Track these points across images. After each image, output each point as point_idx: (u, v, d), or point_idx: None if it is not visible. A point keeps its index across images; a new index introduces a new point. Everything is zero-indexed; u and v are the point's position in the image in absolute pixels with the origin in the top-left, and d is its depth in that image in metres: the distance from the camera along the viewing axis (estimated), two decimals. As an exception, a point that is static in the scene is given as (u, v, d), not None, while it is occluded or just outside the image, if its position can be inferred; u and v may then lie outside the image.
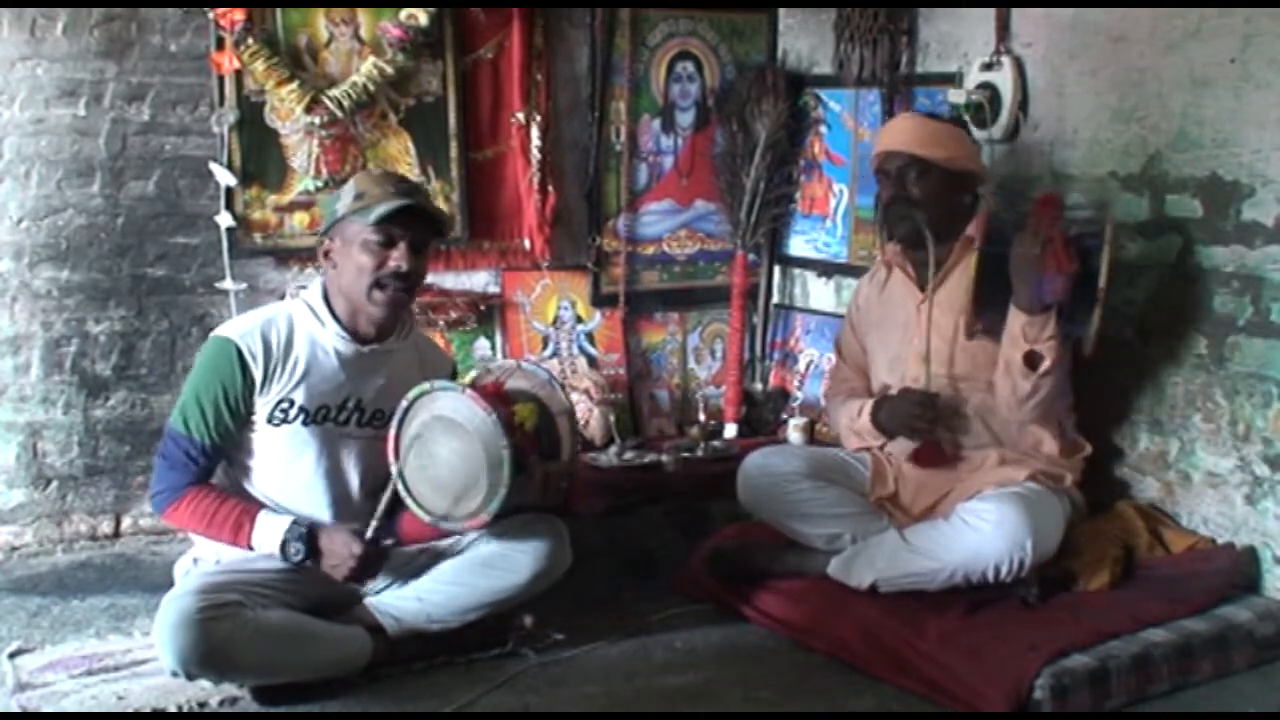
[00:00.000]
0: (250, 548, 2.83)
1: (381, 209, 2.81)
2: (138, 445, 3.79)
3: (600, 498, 3.66)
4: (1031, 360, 3.07)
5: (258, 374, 2.84)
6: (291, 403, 2.87)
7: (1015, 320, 3.08)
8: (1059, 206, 3.13)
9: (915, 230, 3.27)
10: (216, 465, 2.91)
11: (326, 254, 2.92)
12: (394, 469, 2.83)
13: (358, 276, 2.85)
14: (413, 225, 2.86)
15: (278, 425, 2.88)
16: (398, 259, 2.83)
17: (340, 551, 2.82)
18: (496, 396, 2.79)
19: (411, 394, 2.81)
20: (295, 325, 2.90)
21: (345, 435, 2.93)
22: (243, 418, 2.87)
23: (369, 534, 2.85)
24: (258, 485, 2.92)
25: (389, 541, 2.90)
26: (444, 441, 2.77)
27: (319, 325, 2.90)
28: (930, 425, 3.22)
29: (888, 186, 3.32)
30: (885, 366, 3.42)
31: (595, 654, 3.07)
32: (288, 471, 2.91)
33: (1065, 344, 3.09)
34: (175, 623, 2.62)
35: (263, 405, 2.86)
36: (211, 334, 2.93)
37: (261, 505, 2.88)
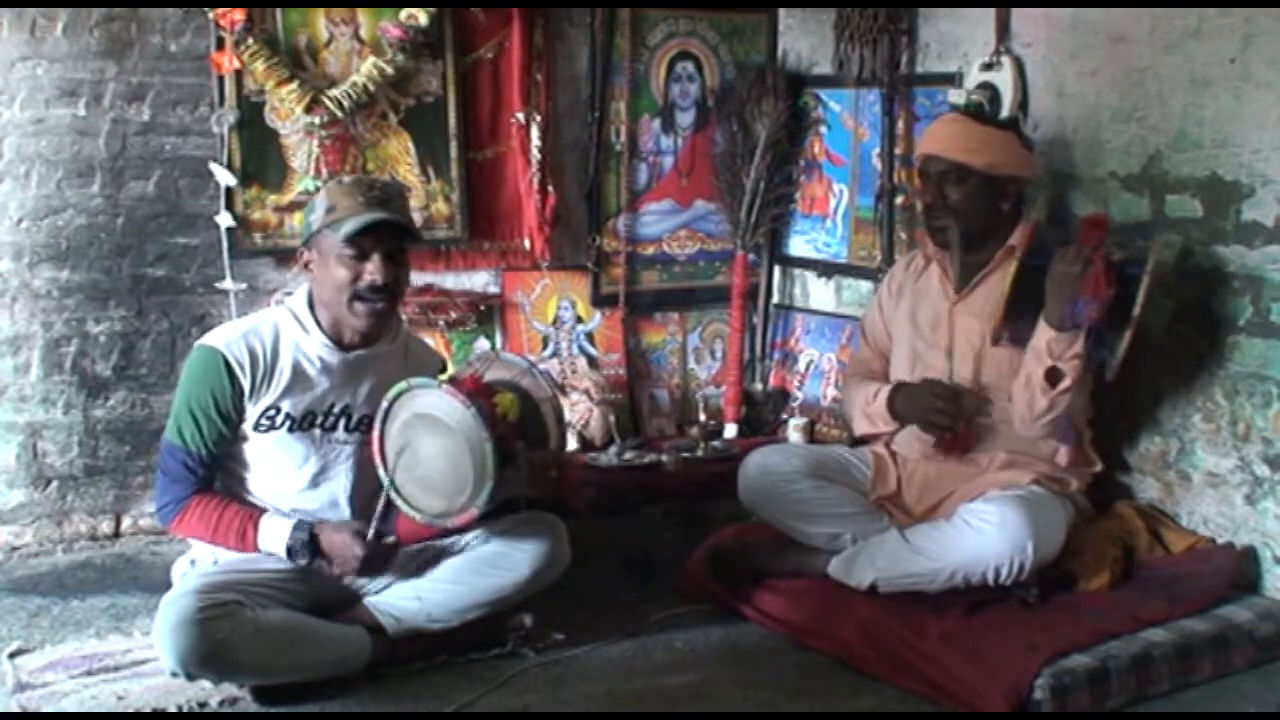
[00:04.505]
0: (258, 551, 2.84)
1: (350, 225, 2.79)
2: (138, 445, 3.79)
3: (591, 487, 3.66)
4: (1052, 377, 3.06)
5: (246, 383, 2.84)
6: (278, 410, 2.87)
7: (1042, 335, 3.07)
8: (1105, 229, 3.10)
9: (950, 238, 3.27)
10: (215, 474, 2.91)
11: (306, 265, 2.93)
12: (380, 471, 2.83)
13: (336, 291, 2.85)
14: (385, 237, 2.84)
15: (265, 432, 2.88)
16: (372, 272, 2.82)
17: (344, 552, 2.82)
18: (476, 389, 2.77)
19: (391, 393, 2.80)
20: (280, 334, 2.90)
21: (333, 441, 2.94)
22: (235, 425, 2.87)
23: (370, 532, 2.85)
24: (253, 493, 2.93)
25: (391, 539, 2.91)
26: (427, 439, 2.76)
27: (304, 334, 2.90)
28: (951, 421, 3.21)
29: (927, 191, 3.31)
30: (906, 361, 3.40)
31: (595, 654, 3.07)
32: (279, 479, 2.92)
33: (1089, 365, 3.08)
34: (175, 623, 2.62)
35: (251, 413, 2.87)
36: (196, 345, 2.93)
37: (264, 510, 2.88)
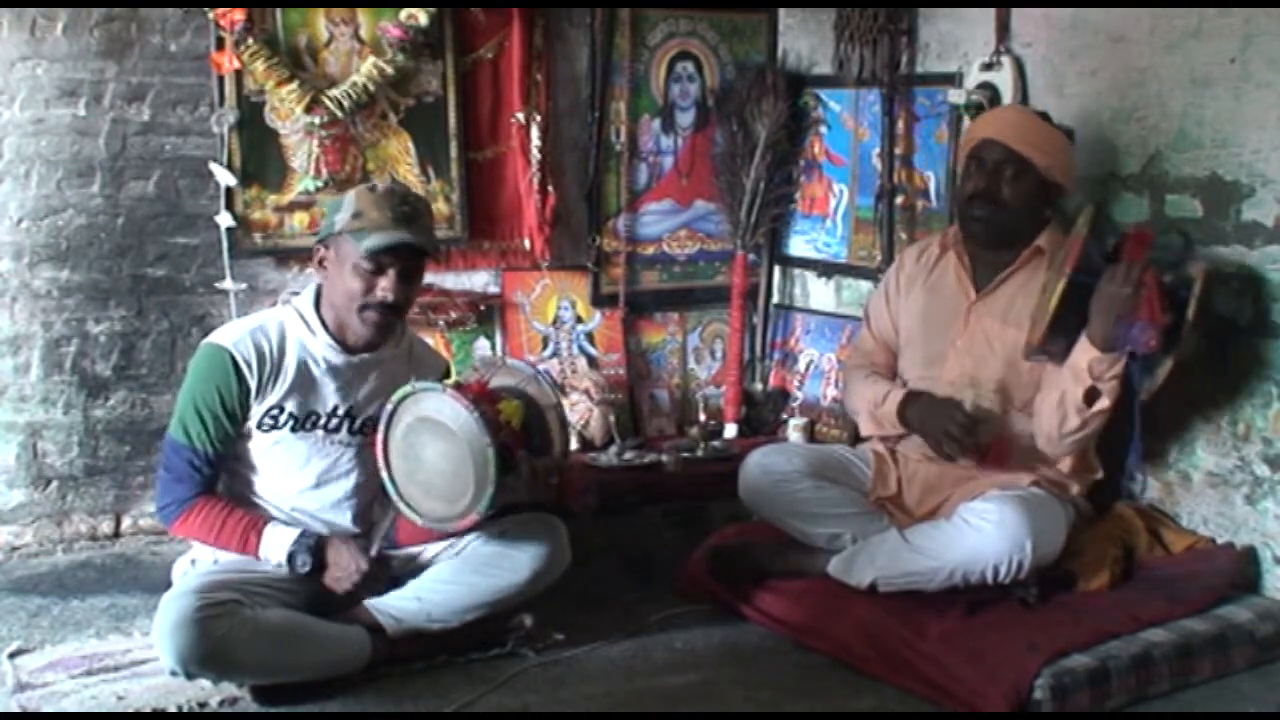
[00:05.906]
0: (258, 558, 2.84)
1: (374, 241, 2.79)
2: (138, 445, 3.79)
3: (592, 493, 3.66)
4: (1089, 396, 2.99)
5: (252, 381, 2.84)
6: (281, 409, 2.88)
7: (1084, 354, 2.97)
8: (1151, 245, 3.00)
9: (990, 233, 3.21)
10: (219, 473, 2.91)
11: (320, 261, 2.92)
12: (383, 474, 2.83)
13: (347, 298, 2.85)
14: (405, 255, 2.85)
15: (267, 431, 2.88)
16: (385, 289, 2.83)
17: (347, 565, 2.83)
18: (481, 395, 2.77)
19: (395, 397, 2.80)
20: (286, 333, 2.90)
21: (336, 442, 2.94)
22: (240, 423, 2.87)
23: (374, 549, 2.85)
24: (257, 493, 2.93)
25: (392, 554, 2.91)
26: (429, 443, 2.76)
27: (309, 334, 2.90)
28: (962, 450, 3.11)
29: (978, 177, 3.19)
30: (920, 357, 3.34)
31: (595, 654, 3.07)
32: (282, 479, 2.92)
33: (1122, 385, 3.01)
34: (174, 622, 2.62)
35: (255, 411, 2.87)
36: (203, 342, 2.93)
37: (269, 517, 2.89)
